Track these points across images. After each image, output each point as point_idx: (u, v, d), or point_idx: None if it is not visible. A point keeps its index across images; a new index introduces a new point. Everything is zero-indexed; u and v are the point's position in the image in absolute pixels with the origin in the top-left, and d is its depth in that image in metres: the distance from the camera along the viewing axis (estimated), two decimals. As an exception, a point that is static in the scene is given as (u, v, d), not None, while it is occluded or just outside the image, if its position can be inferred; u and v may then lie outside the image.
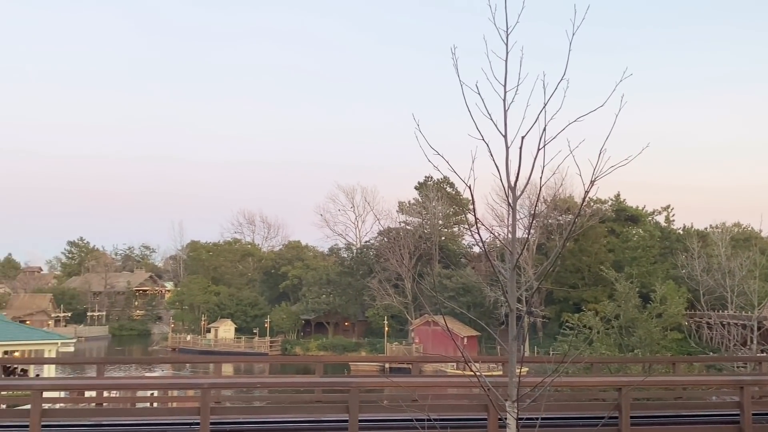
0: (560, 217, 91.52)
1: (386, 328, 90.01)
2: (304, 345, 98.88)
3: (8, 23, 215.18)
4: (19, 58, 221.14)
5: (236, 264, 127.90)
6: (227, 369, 65.90)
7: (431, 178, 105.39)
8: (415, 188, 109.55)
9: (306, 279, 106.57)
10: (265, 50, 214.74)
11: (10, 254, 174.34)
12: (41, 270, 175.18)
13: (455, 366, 62.00)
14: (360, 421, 13.68)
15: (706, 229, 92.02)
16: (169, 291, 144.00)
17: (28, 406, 13.45)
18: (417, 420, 9.54)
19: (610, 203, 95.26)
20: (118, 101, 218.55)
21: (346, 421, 13.79)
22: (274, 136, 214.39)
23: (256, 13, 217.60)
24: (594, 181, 6.55)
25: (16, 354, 47.58)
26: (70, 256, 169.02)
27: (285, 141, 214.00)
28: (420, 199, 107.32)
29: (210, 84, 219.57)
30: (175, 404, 17.71)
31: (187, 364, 78.14)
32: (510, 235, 7.12)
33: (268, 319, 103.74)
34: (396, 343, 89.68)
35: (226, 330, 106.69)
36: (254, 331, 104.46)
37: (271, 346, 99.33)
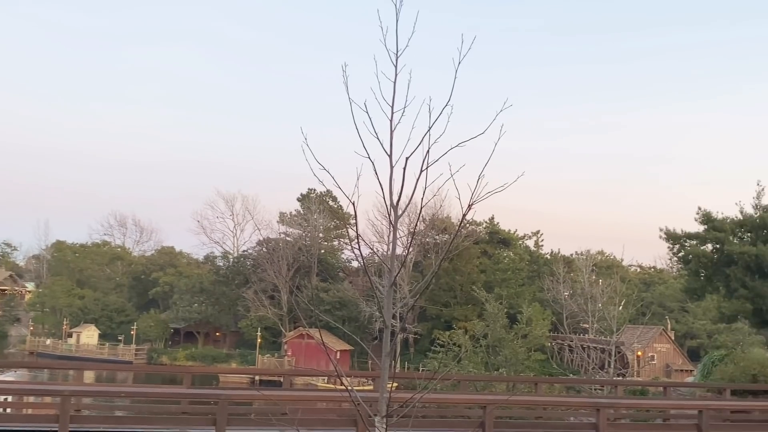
0: (437, 237, 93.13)
1: (259, 340, 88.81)
2: (172, 354, 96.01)
3: None
4: None
5: (104, 267, 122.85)
6: (89, 376, 63.05)
7: (314, 190, 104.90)
8: (298, 200, 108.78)
9: (178, 286, 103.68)
10: (144, 52, 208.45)
11: None
12: None
13: (327, 380, 62.00)
14: (227, 433, 13.47)
15: (572, 255, 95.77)
16: (30, 292, 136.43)
17: None
18: (286, 433, 9.50)
19: (484, 225, 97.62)
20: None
21: (213, 433, 13.54)
22: (152, 138, 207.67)
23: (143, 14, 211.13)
24: (471, 204, 6.77)
25: None
26: None
27: (164, 143, 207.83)
28: (302, 211, 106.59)
29: (91, 85, 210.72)
30: (30, 410, 16.88)
31: (46, 369, 74.30)
32: (389, 253, 7.25)
33: (135, 326, 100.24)
34: (268, 355, 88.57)
35: (89, 335, 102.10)
36: (119, 338, 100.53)
37: (136, 354, 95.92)
